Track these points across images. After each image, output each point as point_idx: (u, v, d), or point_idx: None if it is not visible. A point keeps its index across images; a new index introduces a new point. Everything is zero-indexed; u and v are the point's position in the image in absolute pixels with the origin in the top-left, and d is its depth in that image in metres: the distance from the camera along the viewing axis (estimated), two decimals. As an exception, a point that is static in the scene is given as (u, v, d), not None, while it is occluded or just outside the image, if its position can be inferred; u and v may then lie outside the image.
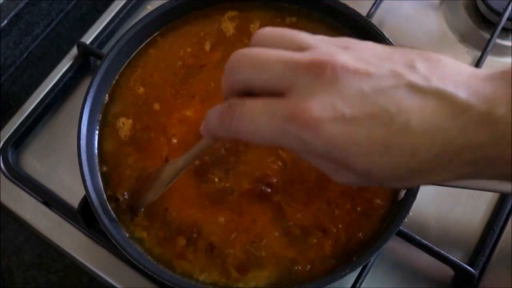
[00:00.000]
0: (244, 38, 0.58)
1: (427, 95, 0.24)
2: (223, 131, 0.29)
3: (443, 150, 0.24)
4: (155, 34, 0.59)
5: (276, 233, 0.49)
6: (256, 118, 0.26)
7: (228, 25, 0.58)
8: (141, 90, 0.56)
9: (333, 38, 0.28)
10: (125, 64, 0.58)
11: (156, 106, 0.56)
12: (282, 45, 0.27)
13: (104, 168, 0.53)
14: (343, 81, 0.24)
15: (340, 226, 0.49)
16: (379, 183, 0.27)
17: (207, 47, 0.57)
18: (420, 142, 0.24)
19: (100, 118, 0.56)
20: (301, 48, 0.27)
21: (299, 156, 0.28)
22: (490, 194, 0.58)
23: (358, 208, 0.50)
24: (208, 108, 0.49)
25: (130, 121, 0.55)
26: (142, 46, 0.59)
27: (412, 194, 0.47)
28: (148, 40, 0.59)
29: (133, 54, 0.58)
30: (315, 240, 0.48)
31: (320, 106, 0.24)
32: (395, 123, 0.24)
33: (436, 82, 0.24)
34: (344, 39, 0.28)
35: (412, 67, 0.25)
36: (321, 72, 0.24)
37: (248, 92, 0.28)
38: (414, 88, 0.24)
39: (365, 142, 0.24)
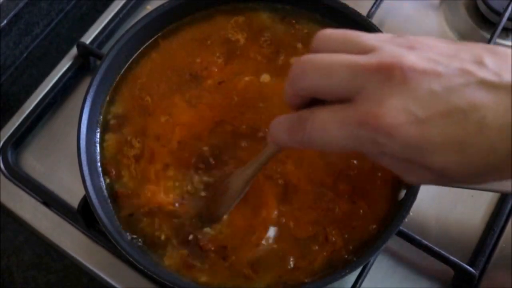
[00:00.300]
0: (255, 47, 0.57)
1: (500, 90, 0.24)
2: (293, 143, 0.29)
3: None
4: (156, 36, 0.59)
5: (277, 233, 0.49)
6: (328, 128, 0.26)
7: (236, 33, 0.58)
8: (142, 95, 0.56)
9: (396, 37, 0.28)
10: (126, 66, 0.58)
11: (155, 111, 0.55)
12: (345, 49, 0.27)
13: (105, 168, 0.53)
14: (413, 82, 0.24)
15: (340, 226, 0.49)
16: (454, 180, 0.26)
17: (219, 59, 0.56)
18: (496, 138, 0.24)
19: (101, 118, 0.56)
20: (364, 50, 0.26)
21: (372, 158, 0.28)
22: (490, 194, 0.58)
23: (357, 207, 0.50)
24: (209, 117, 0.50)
25: (129, 126, 0.55)
26: (143, 48, 0.58)
27: (412, 194, 0.47)
28: (149, 42, 0.59)
29: (134, 56, 0.58)
30: (316, 240, 0.48)
31: (392, 110, 0.24)
32: (470, 121, 0.24)
33: (508, 77, 0.24)
34: (407, 38, 0.27)
35: (480, 63, 0.24)
36: (389, 75, 0.24)
37: (314, 98, 0.28)
38: (485, 84, 0.24)
39: (440, 141, 0.24)
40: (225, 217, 0.47)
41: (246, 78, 0.54)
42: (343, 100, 0.26)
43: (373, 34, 0.28)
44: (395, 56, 0.25)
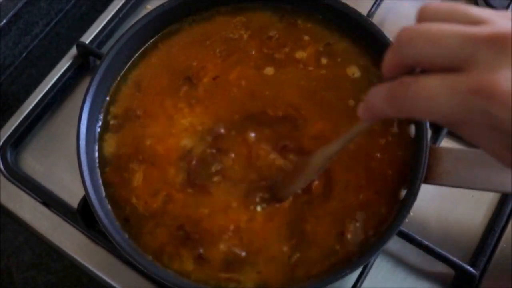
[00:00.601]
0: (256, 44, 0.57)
1: None
2: (393, 111, 0.28)
3: None
4: (156, 37, 0.59)
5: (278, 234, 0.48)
6: (434, 94, 0.25)
7: (237, 31, 0.58)
8: (141, 95, 0.56)
9: (505, 12, 0.27)
10: (126, 66, 0.58)
11: (155, 111, 0.55)
12: (453, 20, 0.26)
13: (104, 168, 0.53)
14: None
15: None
16: None
17: (219, 58, 0.56)
18: None
19: (101, 118, 0.56)
20: (475, 22, 0.26)
21: (470, 135, 0.28)
22: (491, 194, 0.58)
23: (358, 209, 0.50)
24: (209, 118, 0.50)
25: (129, 126, 0.55)
26: (143, 48, 0.58)
27: (412, 194, 0.47)
28: (149, 43, 0.59)
29: (134, 56, 0.58)
30: (317, 240, 0.48)
31: (506, 78, 0.23)
32: None
33: None
34: None
35: None
36: (504, 45, 0.24)
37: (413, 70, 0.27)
38: None
39: None
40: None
41: (249, 72, 0.55)
42: (449, 69, 0.25)
43: (482, 8, 0.27)
44: (509, 28, 0.24)
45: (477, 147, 0.29)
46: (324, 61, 0.55)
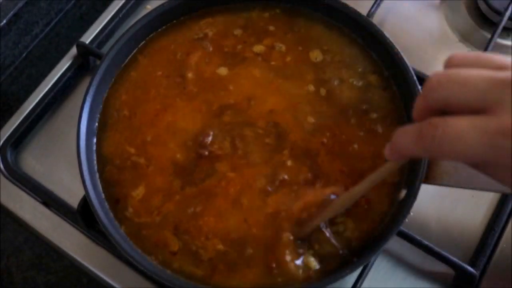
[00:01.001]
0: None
1: None
2: (421, 151, 0.29)
3: None
4: (151, 36, 0.59)
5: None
6: (463, 134, 0.26)
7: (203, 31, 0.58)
8: (140, 95, 0.56)
9: None
10: (125, 66, 0.58)
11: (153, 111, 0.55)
12: (480, 66, 0.28)
13: (104, 168, 0.53)
14: None
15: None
16: None
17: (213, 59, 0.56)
18: None
19: (101, 118, 0.56)
20: (499, 67, 0.27)
21: (496, 173, 0.28)
22: (491, 194, 0.58)
23: (358, 209, 0.50)
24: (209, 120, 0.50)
25: (129, 126, 0.55)
26: (141, 48, 0.58)
27: (412, 194, 0.47)
28: (143, 43, 0.59)
29: (133, 56, 0.58)
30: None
31: None
32: None
33: None
34: None
35: None
36: None
37: (443, 113, 0.28)
38: None
39: None
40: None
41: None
42: (476, 112, 0.26)
43: (505, 56, 0.29)
44: None
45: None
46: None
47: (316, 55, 0.55)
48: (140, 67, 0.57)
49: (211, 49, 0.57)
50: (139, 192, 0.51)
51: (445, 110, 0.28)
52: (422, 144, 0.28)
